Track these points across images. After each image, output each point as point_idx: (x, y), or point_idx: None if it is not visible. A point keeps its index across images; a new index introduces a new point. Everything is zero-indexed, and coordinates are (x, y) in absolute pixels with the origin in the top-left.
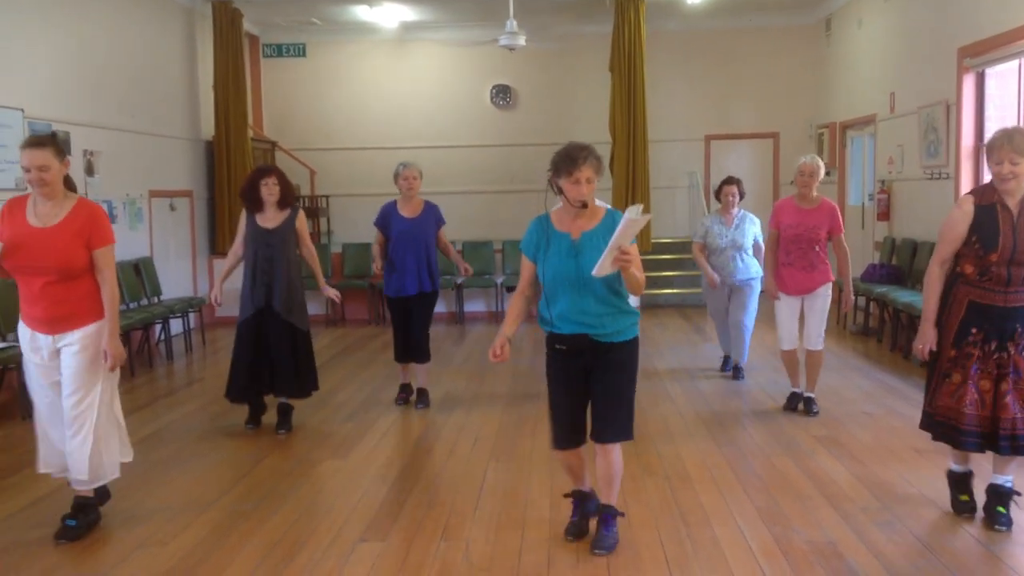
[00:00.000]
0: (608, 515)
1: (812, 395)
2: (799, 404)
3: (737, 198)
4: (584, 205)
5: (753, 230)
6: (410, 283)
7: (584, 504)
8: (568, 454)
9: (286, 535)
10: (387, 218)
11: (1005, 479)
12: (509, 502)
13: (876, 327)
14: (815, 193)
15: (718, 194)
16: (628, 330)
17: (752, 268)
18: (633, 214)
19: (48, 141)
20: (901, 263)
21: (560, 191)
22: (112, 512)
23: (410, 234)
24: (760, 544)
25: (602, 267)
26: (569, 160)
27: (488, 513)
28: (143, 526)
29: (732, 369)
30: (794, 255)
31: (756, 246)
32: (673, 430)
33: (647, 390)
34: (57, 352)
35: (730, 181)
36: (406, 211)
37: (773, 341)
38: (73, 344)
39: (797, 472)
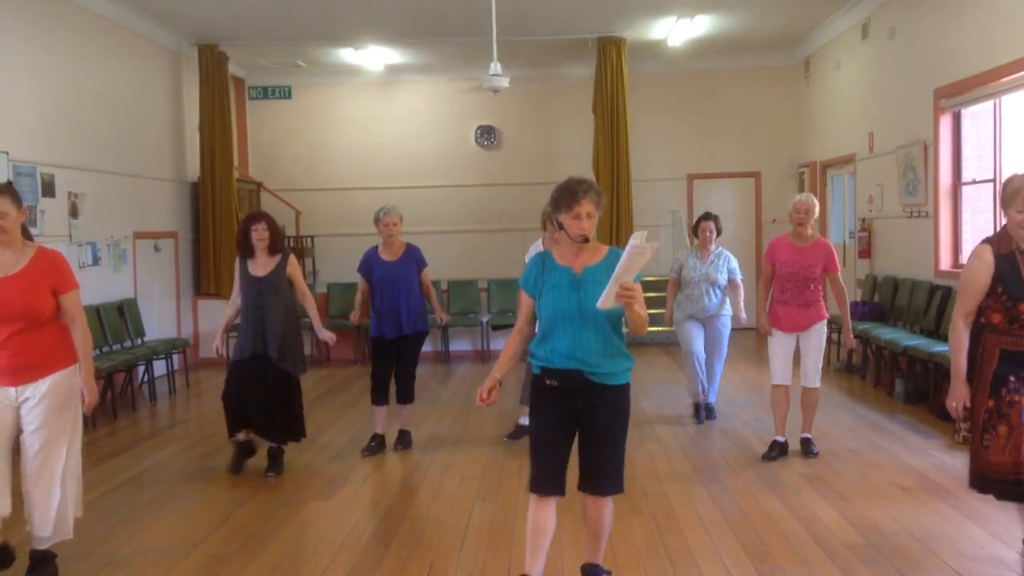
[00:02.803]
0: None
1: (809, 436)
2: (777, 453)
3: (714, 234)
4: (585, 240)
5: (729, 266)
6: (394, 326)
7: None
8: (543, 504)
9: None
10: (369, 263)
11: None
12: (495, 543)
13: (859, 364)
14: (810, 231)
15: (696, 230)
16: (623, 374)
17: (725, 305)
18: (637, 240)
19: (6, 189)
20: (883, 300)
21: (560, 226)
22: (92, 556)
23: (390, 278)
24: None
25: (606, 299)
26: (569, 194)
27: (474, 554)
28: (124, 571)
29: (704, 409)
30: (790, 292)
31: (733, 283)
32: (659, 469)
33: (633, 429)
34: (19, 407)
35: (707, 217)
36: (387, 255)
37: (758, 379)
38: (40, 392)
39: (783, 510)
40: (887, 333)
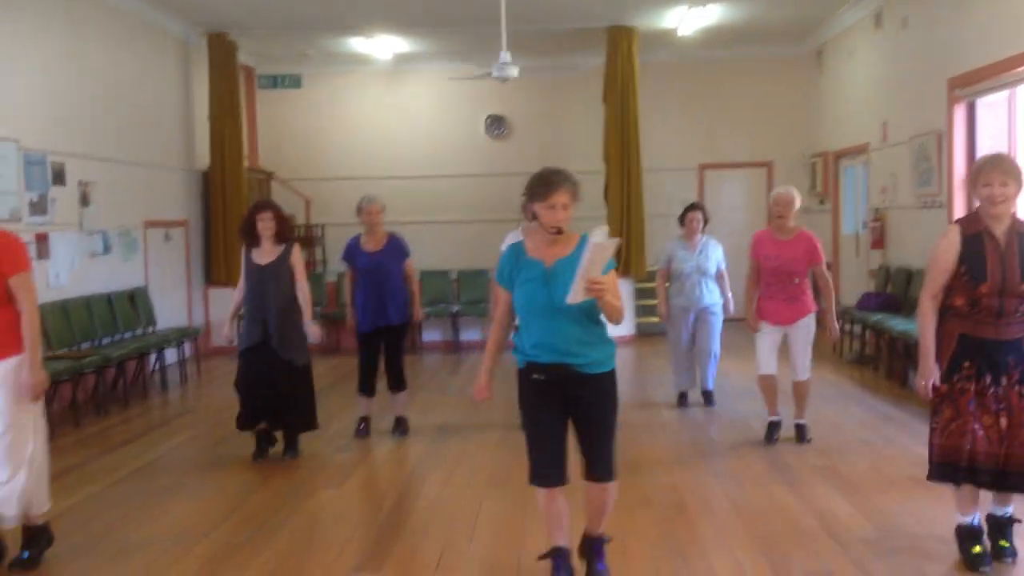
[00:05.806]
0: (599, 545)
1: (803, 422)
2: (777, 434)
3: (702, 224)
4: (559, 231)
5: (716, 255)
6: (376, 318)
7: (565, 563)
8: (549, 494)
9: (280, 567)
10: (352, 252)
11: (1004, 510)
12: (505, 532)
13: (872, 355)
14: (792, 224)
15: (682, 220)
16: (607, 360)
17: (716, 294)
18: (598, 238)
19: None
20: (896, 291)
21: (535, 217)
22: (104, 544)
23: (374, 270)
24: (758, 575)
25: (575, 295)
26: (544, 184)
27: (484, 544)
28: (135, 558)
29: (703, 395)
30: (774, 287)
31: (719, 272)
32: (669, 459)
33: (642, 418)
34: None
35: (694, 207)
36: (369, 245)
37: None
38: None
39: (795, 502)
40: (900, 324)
